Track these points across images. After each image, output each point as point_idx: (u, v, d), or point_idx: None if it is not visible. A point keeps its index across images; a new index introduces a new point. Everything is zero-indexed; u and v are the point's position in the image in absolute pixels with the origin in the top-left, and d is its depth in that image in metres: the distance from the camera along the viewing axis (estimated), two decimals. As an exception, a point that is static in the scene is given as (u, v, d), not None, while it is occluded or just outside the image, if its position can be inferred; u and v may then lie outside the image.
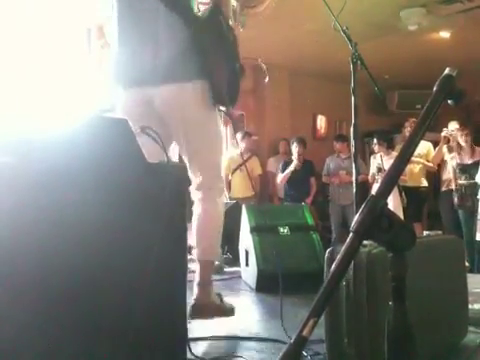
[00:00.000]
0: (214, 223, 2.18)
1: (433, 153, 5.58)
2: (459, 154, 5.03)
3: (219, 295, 2.19)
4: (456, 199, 5.01)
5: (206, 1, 2.13)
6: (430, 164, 5.55)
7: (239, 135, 5.94)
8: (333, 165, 6.10)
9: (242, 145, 6.00)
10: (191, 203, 2.18)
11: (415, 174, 5.50)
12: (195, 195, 2.18)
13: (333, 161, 6.13)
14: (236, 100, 2.17)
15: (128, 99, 2.10)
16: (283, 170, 6.02)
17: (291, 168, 5.87)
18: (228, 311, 2.19)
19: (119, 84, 2.13)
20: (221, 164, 2.23)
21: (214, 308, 2.11)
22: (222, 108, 2.19)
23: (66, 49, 4.89)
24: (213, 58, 2.06)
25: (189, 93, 2.05)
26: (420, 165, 5.52)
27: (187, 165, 2.14)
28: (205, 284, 2.10)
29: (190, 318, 2.00)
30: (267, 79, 2.66)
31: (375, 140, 5.66)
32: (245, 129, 6.49)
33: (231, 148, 6.08)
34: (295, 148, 5.96)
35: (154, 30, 2.04)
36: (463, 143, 5.00)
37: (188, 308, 2.03)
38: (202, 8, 2.11)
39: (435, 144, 5.57)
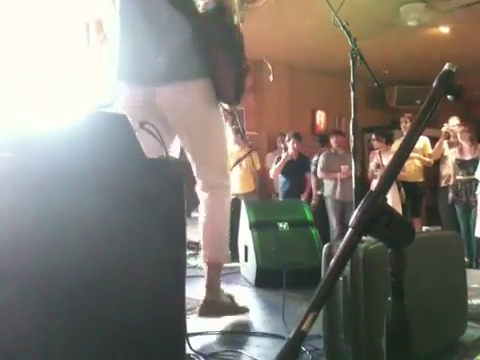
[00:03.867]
0: (221, 224, 2.17)
1: (430, 148, 5.58)
2: (460, 150, 5.04)
3: (230, 296, 2.19)
4: (451, 195, 5.02)
5: None
6: (426, 159, 5.54)
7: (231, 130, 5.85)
8: (330, 161, 6.00)
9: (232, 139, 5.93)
10: (196, 203, 2.18)
11: (412, 169, 5.50)
12: (201, 195, 2.16)
13: (329, 157, 5.98)
14: (241, 98, 2.16)
15: (130, 95, 2.09)
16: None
17: (282, 159, 5.80)
18: (240, 309, 2.20)
19: (122, 79, 2.11)
20: (227, 162, 2.21)
21: (223, 307, 2.11)
22: (225, 106, 2.18)
23: (64, 44, 4.87)
24: (218, 56, 2.04)
25: (191, 92, 2.03)
26: (417, 160, 5.52)
27: (192, 165, 2.12)
28: (214, 285, 2.10)
29: (199, 317, 2.01)
30: (271, 78, 2.64)
31: (374, 136, 5.66)
32: (241, 125, 6.44)
33: (231, 144, 6.06)
34: (292, 144, 5.92)
35: (157, 27, 2.02)
36: (461, 140, 5.00)
37: (197, 308, 2.04)
38: (203, 3, 2.09)
39: (435, 140, 5.57)
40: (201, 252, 2.15)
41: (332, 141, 6.02)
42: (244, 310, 2.23)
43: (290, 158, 5.88)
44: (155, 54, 2.01)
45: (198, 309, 2.05)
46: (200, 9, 2.02)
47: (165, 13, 2.01)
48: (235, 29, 2.08)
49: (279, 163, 5.88)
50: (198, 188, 2.16)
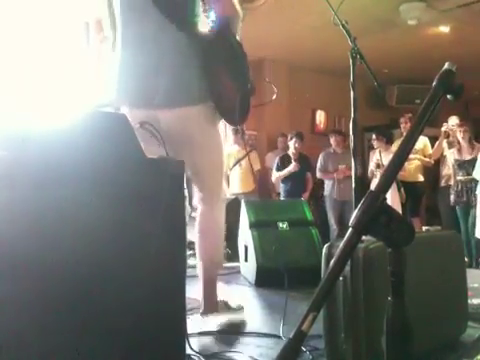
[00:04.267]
0: (215, 238, 2.19)
1: (429, 148, 5.58)
2: (459, 150, 5.04)
3: (226, 303, 2.20)
4: (452, 196, 5.02)
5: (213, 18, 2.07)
6: (426, 159, 5.55)
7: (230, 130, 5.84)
8: (329, 161, 6.01)
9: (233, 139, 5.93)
10: (194, 208, 2.21)
11: (412, 169, 5.50)
12: (197, 207, 2.20)
13: (329, 156, 6.00)
14: (245, 119, 2.16)
15: (132, 118, 2.06)
16: (278, 166, 5.99)
17: (290, 169, 5.83)
18: (238, 315, 2.22)
19: (123, 104, 2.07)
20: (222, 180, 2.23)
21: (224, 320, 2.13)
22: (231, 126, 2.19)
23: (64, 43, 4.87)
24: (221, 79, 2.01)
25: (193, 117, 2.02)
26: (416, 160, 5.52)
27: (190, 178, 2.14)
28: (210, 298, 2.12)
29: (202, 326, 2.03)
30: (274, 96, 2.64)
31: (374, 135, 5.65)
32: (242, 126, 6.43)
33: (230, 144, 6.05)
34: (293, 143, 5.93)
35: (159, 51, 1.97)
36: (461, 140, 5.01)
37: (191, 306, 2.05)
38: (209, 24, 2.05)
39: (435, 139, 5.57)
40: (197, 262, 2.18)
41: (331, 140, 6.02)
42: (241, 312, 2.25)
43: (293, 157, 5.89)
44: (156, 78, 1.97)
45: (199, 323, 2.08)
46: (203, 29, 1.99)
47: (167, 34, 1.96)
48: (239, 48, 2.05)
49: (283, 172, 5.89)
50: (194, 200, 2.20)
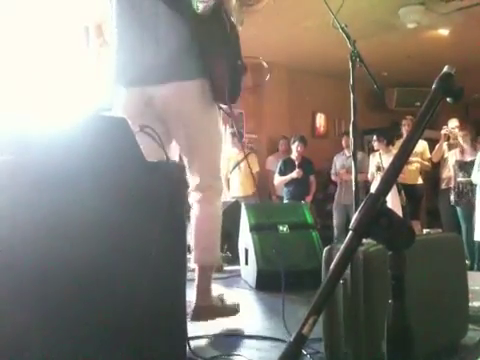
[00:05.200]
0: (212, 225, 2.16)
1: (428, 152, 5.59)
2: (461, 151, 5.05)
3: (220, 297, 2.18)
4: (453, 197, 5.02)
5: None
6: (426, 163, 5.56)
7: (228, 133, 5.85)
8: (339, 163, 6.08)
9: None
10: (189, 206, 2.17)
11: (411, 172, 5.50)
12: (193, 197, 2.16)
13: (339, 159, 6.12)
14: (237, 98, 2.16)
15: (129, 98, 2.09)
16: (280, 169, 6.00)
17: (293, 175, 5.85)
18: (231, 311, 2.19)
19: (120, 83, 2.11)
20: (220, 164, 2.22)
21: (215, 310, 2.10)
22: (223, 106, 2.18)
23: (64, 47, 4.88)
24: (214, 56, 2.04)
25: (189, 91, 2.04)
26: (416, 164, 5.52)
27: (186, 166, 2.13)
28: (204, 288, 2.09)
29: (191, 321, 2.00)
30: (268, 77, 2.65)
31: (375, 136, 5.66)
32: (238, 128, 6.44)
33: (229, 147, 6.06)
34: (296, 147, 5.95)
35: (154, 28, 2.02)
36: (463, 143, 5.02)
37: (188, 312, 2.03)
38: (203, 5, 2.08)
39: (434, 142, 5.58)
40: (192, 254, 2.14)
41: (343, 142, 6.07)
42: (235, 310, 2.22)
43: (296, 161, 5.91)
44: (153, 55, 2.01)
45: (190, 314, 2.05)
46: (198, 10, 2.02)
47: (161, 15, 2.01)
48: (232, 29, 2.09)
49: (286, 178, 5.91)
50: (190, 189, 2.16)
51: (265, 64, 2.66)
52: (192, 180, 2.15)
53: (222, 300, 2.18)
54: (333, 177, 6.20)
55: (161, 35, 2.02)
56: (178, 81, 2.02)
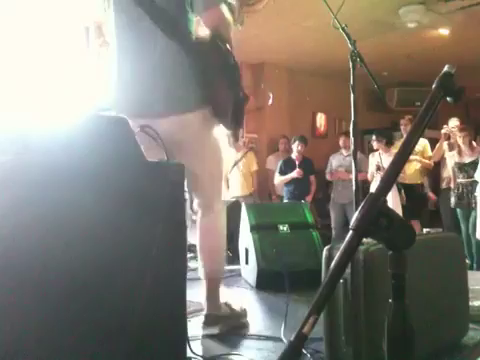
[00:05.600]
0: (215, 241, 2.19)
1: (429, 150, 5.59)
2: (459, 153, 5.05)
3: (227, 304, 2.20)
4: (453, 199, 5.03)
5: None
6: (426, 161, 5.56)
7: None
8: (335, 162, 6.09)
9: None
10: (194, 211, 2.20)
11: (411, 171, 5.51)
12: (196, 211, 2.20)
13: (335, 158, 6.13)
14: (241, 125, 2.16)
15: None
16: (281, 169, 6.01)
17: (293, 175, 5.86)
18: (240, 316, 2.22)
19: (118, 113, 2.08)
20: (221, 188, 2.23)
21: (227, 320, 2.13)
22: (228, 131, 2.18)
23: (64, 47, 4.89)
24: (215, 83, 2.02)
25: (190, 123, 2.01)
26: (416, 162, 5.52)
27: (186, 186, 2.13)
28: (213, 299, 2.13)
29: (204, 327, 2.03)
30: (270, 102, 2.64)
31: (374, 136, 5.67)
32: (242, 127, 6.45)
33: (228, 148, 6.06)
34: (296, 146, 5.96)
35: (152, 59, 1.98)
36: (462, 144, 5.02)
37: (191, 308, 2.05)
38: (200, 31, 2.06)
39: (435, 141, 5.57)
40: (199, 266, 2.18)
41: (340, 142, 6.07)
42: (244, 315, 2.24)
43: (297, 161, 5.91)
44: (151, 88, 1.98)
45: (202, 324, 2.08)
46: (194, 36, 2.00)
47: (159, 42, 1.97)
48: (230, 56, 2.07)
49: (287, 177, 5.92)
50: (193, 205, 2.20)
51: (270, 95, 2.66)
52: (194, 198, 2.18)
53: (229, 306, 2.20)
54: (328, 176, 6.19)
55: (159, 65, 1.98)
56: (178, 115, 1.99)
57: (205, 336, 1.99)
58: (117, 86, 2.08)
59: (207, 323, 2.07)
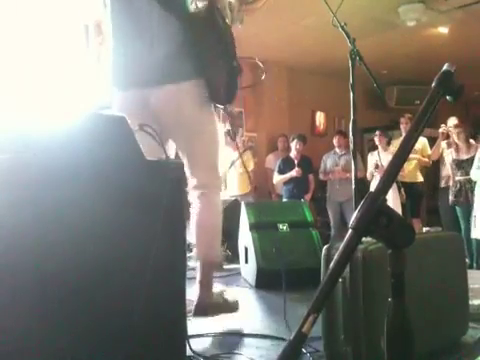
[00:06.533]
0: (212, 222, 2.18)
1: (428, 148, 5.59)
2: (456, 150, 5.05)
3: (221, 293, 2.20)
4: (451, 197, 5.03)
5: None
6: (425, 159, 5.56)
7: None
8: (330, 162, 6.08)
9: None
10: (189, 204, 2.18)
11: (410, 170, 5.51)
12: (192, 195, 2.18)
13: (330, 158, 6.12)
14: (233, 98, 2.17)
15: (124, 100, 2.09)
16: (280, 168, 6.00)
17: (292, 174, 5.85)
18: (232, 307, 2.21)
19: (115, 86, 2.11)
20: (218, 163, 2.22)
21: (217, 307, 2.12)
22: (220, 106, 2.18)
23: (64, 46, 4.88)
24: (209, 56, 2.05)
25: (185, 92, 2.04)
26: (415, 161, 5.53)
27: (184, 164, 2.13)
28: (206, 284, 2.11)
29: (193, 317, 2.01)
30: (264, 76, 2.66)
31: (378, 131, 5.66)
32: (234, 127, 6.43)
33: (224, 145, 6.05)
34: (295, 145, 5.95)
35: (149, 30, 2.02)
36: (457, 140, 5.02)
37: (191, 307, 2.04)
38: (198, 5, 2.08)
39: (434, 140, 5.57)
40: (193, 251, 2.16)
41: (334, 141, 6.07)
42: (235, 306, 2.24)
43: (295, 160, 5.91)
44: (147, 57, 2.02)
45: (192, 309, 2.06)
46: (191, 9, 2.02)
47: (156, 15, 2.01)
48: (226, 29, 2.09)
49: (285, 176, 5.91)
50: (189, 187, 2.17)
51: (261, 64, 2.67)
52: (191, 178, 2.16)
53: (223, 296, 2.20)
54: (321, 176, 6.16)
55: (155, 35, 2.01)
56: (174, 83, 2.02)
57: (205, 335, 1.99)
58: (114, 61, 2.11)
59: (198, 309, 2.05)
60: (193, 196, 2.17)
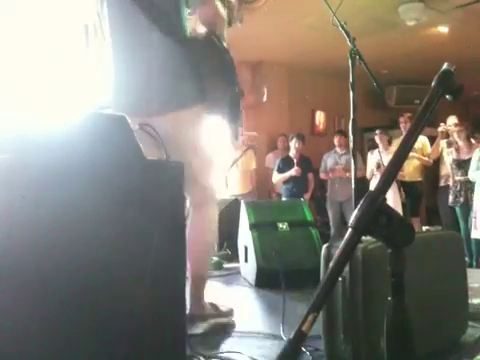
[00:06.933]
0: (206, 240, 2.18)
1: (428, 147, 5.59)
2: (457, 150, 5.04)
3: (213, 305, 2.19)
4: (451, 197, 5.02)
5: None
6: (425, 158, 5.56)
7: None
8: (330, 161, 6.09)
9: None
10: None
11: (410, 169, 5.51)
12: (188, 209, 2.19)
13: (330, 157, 6.13)
14: (238, 120, 2.16)
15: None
16: (279, 167, 6.00)
17: (291, 173, 5.85)
18: (226, 317, 2.20)
19: (116, 111, 2.08)
20: (213, 186, 2.21)
21: (210, 321, 2.11)
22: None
23: (63, 45, 4.88)
24: (211, 80, 2.03)
25: (185, 120, 2.02)
26: (415, 160, 5.53)
27: None
28: (197, 298, 2.11)
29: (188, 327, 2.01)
30: (265, 98, 2.64)
31: (378, 131, 5.66)
32: (241, 126, 6.44)
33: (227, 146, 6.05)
34: (294, 144, 5.96)
35: (148, 56, 1.99)
36: (458, 139, 5.01)
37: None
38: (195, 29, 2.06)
39: (434, 139, 5.58)
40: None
41: (335, 140, 6.07)
42: (230, 314, 2.23)
43: (295, 159, 5.91)
44: (149, 86, 1.99)
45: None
46: (189, 32, 2.00)
47: (155, 41, 1.97)
48: (226, 52, 2.07)
49: (285, 175, 5.91)
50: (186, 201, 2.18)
51: (265, 90, 2.67)
52: (186, 195, 2.17)
53: (215, 307, 2.19)
54: (322, 175, 6.18)
55: (155, 63, 1.98)
56: (174, 112, 2.00)
57: (205, 334, 1.99)
58: (114, 85, 2.09)
59: (190, 323, 2.05)
60: (188, 210, 2.18)
